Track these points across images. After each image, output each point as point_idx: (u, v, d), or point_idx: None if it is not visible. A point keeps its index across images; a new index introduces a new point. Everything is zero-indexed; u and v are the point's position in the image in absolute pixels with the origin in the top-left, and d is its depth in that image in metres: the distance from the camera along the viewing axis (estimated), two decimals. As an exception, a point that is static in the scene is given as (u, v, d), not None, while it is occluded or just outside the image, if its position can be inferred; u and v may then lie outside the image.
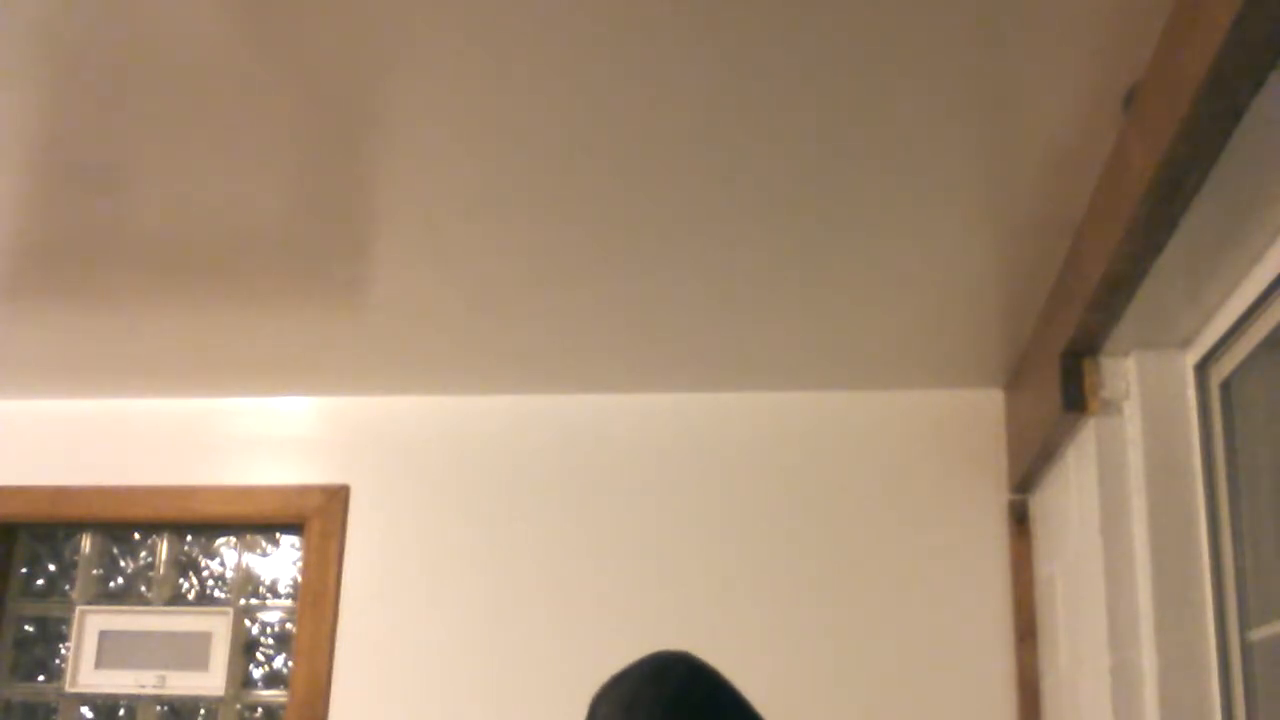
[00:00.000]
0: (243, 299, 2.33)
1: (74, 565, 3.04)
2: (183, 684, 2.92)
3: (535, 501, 2.80)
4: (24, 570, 3.06)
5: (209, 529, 3.00)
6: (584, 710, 1.52)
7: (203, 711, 2.92)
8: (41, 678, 3.00)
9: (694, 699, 1.43)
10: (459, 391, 2.86)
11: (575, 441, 2.82)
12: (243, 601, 2.97)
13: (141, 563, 3.02)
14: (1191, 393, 1.84)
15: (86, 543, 3.05)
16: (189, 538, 3.02)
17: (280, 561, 2.99)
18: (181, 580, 3.00)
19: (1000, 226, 1.91)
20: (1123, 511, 1.90)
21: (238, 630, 2.95)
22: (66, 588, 3.03)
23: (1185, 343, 1.85)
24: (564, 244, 2.04)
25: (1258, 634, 1.66)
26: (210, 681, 2.91)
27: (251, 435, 2.94)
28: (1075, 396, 1.94)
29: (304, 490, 2.88)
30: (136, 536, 3.04)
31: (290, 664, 2.86)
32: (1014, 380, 2.61)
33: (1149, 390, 1.86)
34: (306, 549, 2.85)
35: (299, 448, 2.92)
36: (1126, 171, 1.51)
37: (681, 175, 1.78)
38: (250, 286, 2.27)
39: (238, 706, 2.91)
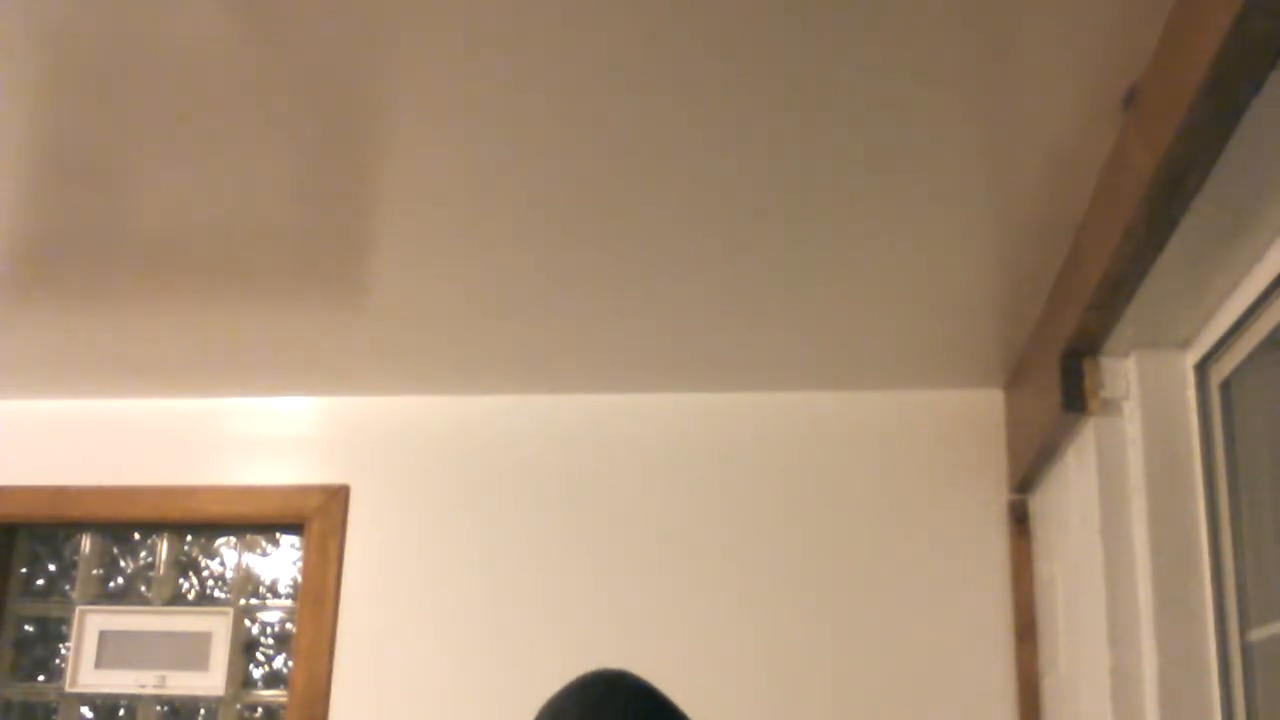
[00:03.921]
0: (243, 299, 2.33)
1: (74, 565, 3.04)
2: (183, 684, 2.92)
3: (535, 501, 2.80)
4: (24, 570, 3.06)
5: (209, 529, 3.00)
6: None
7: (203, 711, 2.92)
8: (41, 678, 3.00)
9: (616, 703, 1.45)
10: (459, 391, 2.86)
11: (575, 441, 2.82)
12: (243, 601, 2.97)
13: (141, 563, 3.02)
14: (1191, 393, 1.84)
15: (86, 543, 3.05)
16: (189, 538, 3.02)
17: (280, 561, 2.99)
18: (181, 580, 3.00)
19: (1000, 226, 1.91)
20: (1123, 511, 1.90)
21: (238, 630, 2.95)
22: (66, 588, 3.03)
23: (1185, 343, 1.85)
24: (564, 244, 2.04)
25: (1258, 634, 1.66)
26: (210, 681, 2.91)
27: (251, 435, 2.94)
28: (1075, 396, 1.94)
29: (304, 490, 2.87)
30: (136, 536, 3.04)
31: (290, 664, 2.86)
32: (1014, 380, 2.61)
33: (1149, 390, 1.86)
34: (306, 549, 2.85)
35: (299, 448, 2.92)
36: (1126, 171, 1.51)
37: (682, 176, 1.78)
38: (250, 286, 2.27)
39: (238, 706, 2.91)
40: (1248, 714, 1.68)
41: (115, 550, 3.04)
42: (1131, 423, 1.89)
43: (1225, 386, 1.78)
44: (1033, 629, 2.52)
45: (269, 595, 2.97)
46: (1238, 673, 1.70)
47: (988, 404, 2.71)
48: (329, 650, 2.76)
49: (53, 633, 3.02)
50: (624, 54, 1.48)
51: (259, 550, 3.00)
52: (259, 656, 2.94)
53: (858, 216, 1.90)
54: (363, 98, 1.60)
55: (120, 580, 3.02)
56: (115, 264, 2.18)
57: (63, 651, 2.99)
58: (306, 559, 2.83)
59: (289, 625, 2.94)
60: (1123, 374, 1.91)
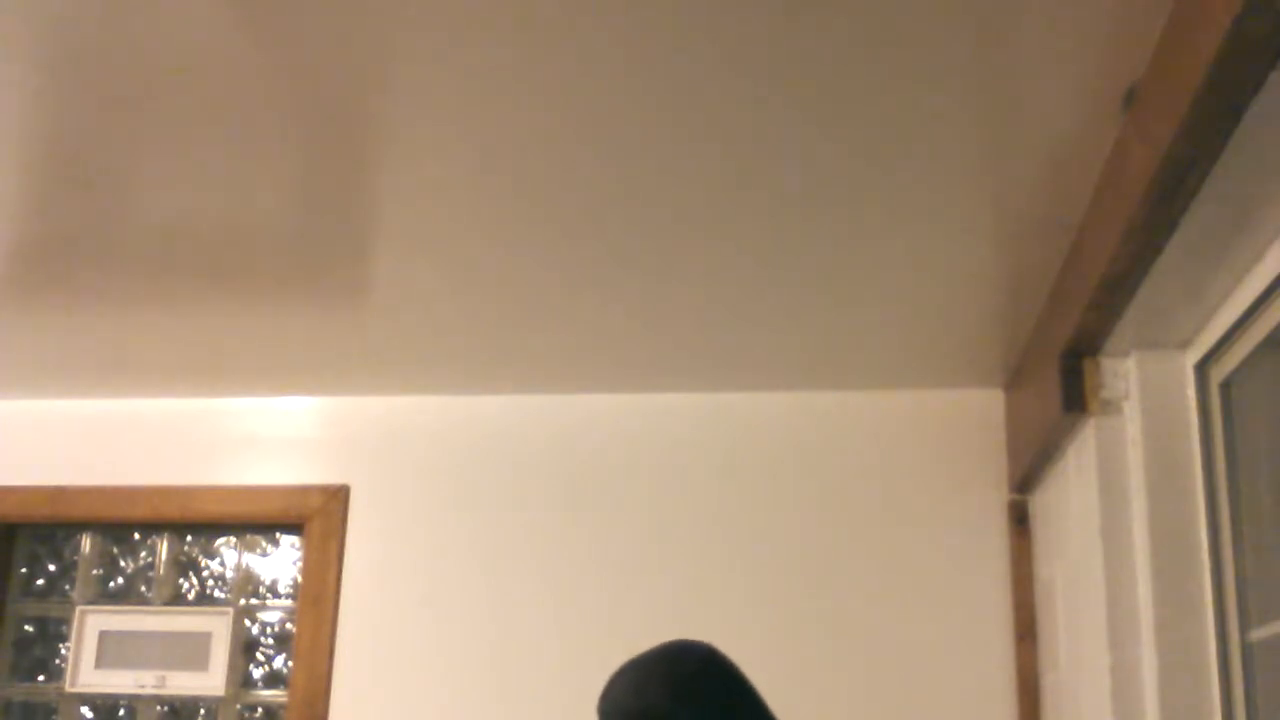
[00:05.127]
0: (243, 299, 2.33)
1: (74, 565, 3.04)
2: (183, 684, 2.92)
3: (535, 501, 2.80)
4: (24, 570, 3.06)
5: (209, 529, 3.00)
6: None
7: (203, 711, 2.92)
8: (41, 678, 3.00)
9: (706, 684, 1.42)
10: (459, 391, 2.86)
11: (575, 441, 2.82)
12: (243, 601, 2.97)
13: (141, 563, 3.02)
14: (1191, 393, 1.84)
15: (86, 543, 3.05)
16: (189, 538, 3.02)
17: (280, 561, 2.99)
18: (181, 580, 3.00)
19: (1000, 226, 1.91)
20: (1123, 511, 1.90)
21: (238, 630, 2.95)
22: (66, 588, 3.03)
23: (1185, 343, 1.85)
24: (564, 245, 2.04)
25: (1258, 634, 1.66)
26: (210, 681, 2.91)
27: (251, 435, 2.94)
28: (1075, 396, 1.94)
29: (304, 490, 2.88)
30: (136, 536, 3.04)
31: (290, 664, 2.86)
32: (1014, 380, 2.61)
33: (1149, 390, 1.86)
34: (306, 549, 2.85)
35: (299, 448, 2.92)
36: (1126, 171, 1.51)
37: (682, 176, 1.78)
38: (250, 286, 2.27)
39: (238, 706, 2.91)
40: (1248, 714, 1.68)
41: (115, 550, 3.04)
42: (1131, 423, 1.89)
43: (1225, 386, 1.78)
44: (1033, 629, 2.52)
45: (269, 595, 2.97)
46: (1238, 673, 1.70)
47: (988, 404, 2.71)
48: (329, 650, 2.76)
49: (53, 633, 3.02)
50: (624, 56, 1.48)
51: (259, 550, 3.00)
52: (259, 656, 2.94)
53: (858, 217, 1.90)
54: (362, 98, 1.60)
55: (120, 580, 3.02)
56: (115, 264, 2.18)
57: (63, 651, 2.99)
58: (306, 559, 2.83)
59: (289, 625, 2.94)
60: (1123, 374, 1.91)
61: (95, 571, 3.03)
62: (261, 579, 2.98)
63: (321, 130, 1.69)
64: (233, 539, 3.01)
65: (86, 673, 2.96)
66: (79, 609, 2.99)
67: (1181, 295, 1.69)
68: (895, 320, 2.34)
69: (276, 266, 2.17)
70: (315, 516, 2.85)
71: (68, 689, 2.96)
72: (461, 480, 2.84)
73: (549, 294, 2.25)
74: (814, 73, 1.50)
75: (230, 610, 2.96)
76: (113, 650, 2.97)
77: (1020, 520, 2.59)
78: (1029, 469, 2.41)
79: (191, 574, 3.01)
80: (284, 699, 2.87)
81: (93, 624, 2.98)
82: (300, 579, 2.85)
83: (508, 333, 2.47)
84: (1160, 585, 1.79)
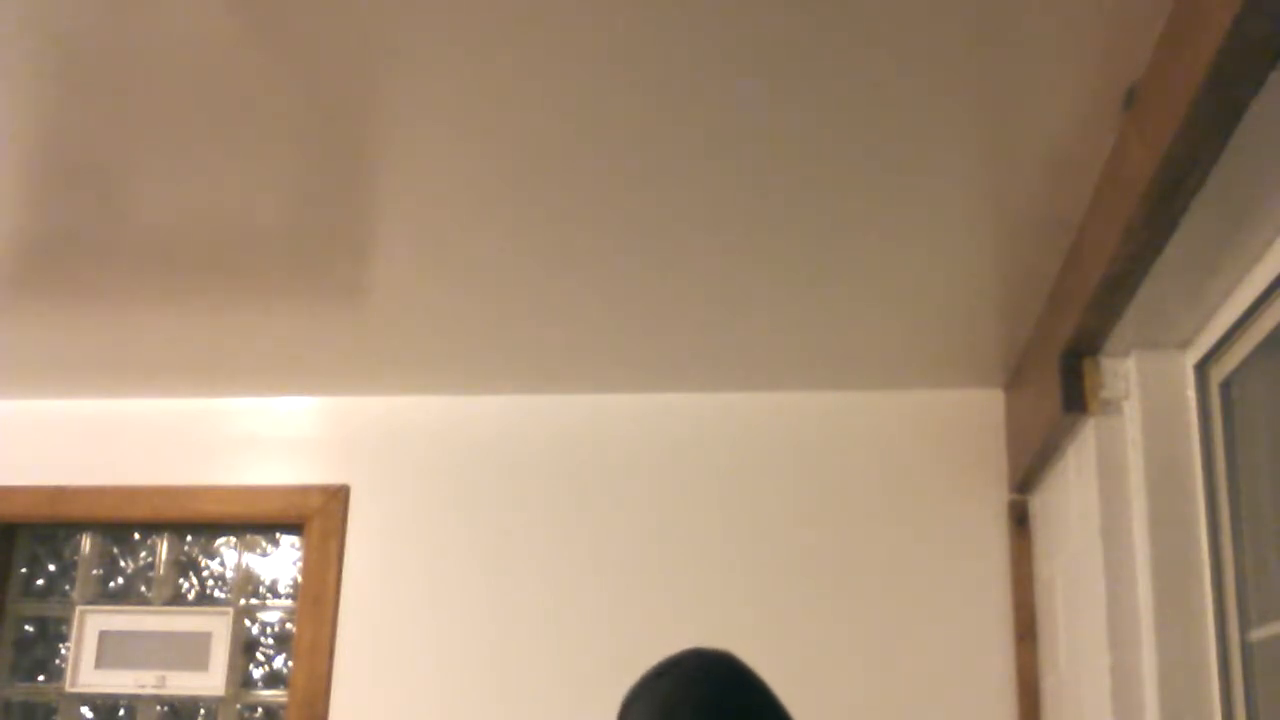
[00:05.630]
0: (243, 299, 2.33)
1: (74, 565, 3.04)
2: (183, 684, 2.92)
3: (535, 501, 2.80)
4: (24, 570, 3.06)
5: (209, 529, 3.00)
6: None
7: (203, 711, 2.92)
8: (41, 678, 2.99)
9: (731, 705, 1.41)
10: (459, 391, 2.86)
11: (575, 441, 2.82)
12: (243, 601, 2.97)
13: (141, 563, 3.02)
14: (1191, 393, 1.84)
15: (86, 543, 3.05)
16: (189, 538, 3.02)
17: (280, 561, 2.99)
18: (181, 580, 3.00)
19: (1000, 226, 1.91)
20: (1123, 511, 1.90)
21: (238, 630, 2.95)
22: (66, 588, 3.03)
23: (1185, 343, 1.85)
24: (565, 244, 2.04)
25: (1258, 634, 1.66)
26: (210, 681, 2.91)
27: (251, 435, 2.94)
28: (1075, 396, 1.94)
29: (304, 490, 2.87)
30: (136, 536, 3.04)
31: (290, 664, 2.86)
32: (1014, 380, 2.61)
33: (1149, 390, 1.86)
34: (306, 549, 2.85)
35: (299, 448, 2.92)
36: (1126, 171, 1.51)
37: (682, 176, 1.78)
38: (250, 286, 2.27)
39: (238, 706, 2.91)
40: (1248, 714, 1.68)
41: (115, 550, 3.04)
42: (1131, 423, 1.89)
43: (1225, 386, 1.78)
44: (1033, 629, 2.52)
45: (269, 595, 2.97)
46: (1238, 673, 1.70)
47: (988, 404, 2.71)
48: (329, 650, 2.76)
49: (53, 633, 3.02)
50: (625, 56, 1.48)
51: (259, 550, 3.00)
52: (259, 656, 2.94)
53: (858, 216, 1.90)
54: (362, 98, 1.60)
55: (120, 580, 3.02)
56: (115, 264, 2.18)
57: (63, 651, 2.99)
58: (306, 559, 2.83)
59: (289, 625, 2.94)
60: (1123, 374, 1.91)
61: (95, 571, 3.03)
62: (261, 579, 2.98)
63: (321, 130, 1.69)
64: (233, 539, 3.01)
65: (86, 673, 2.96)
66: (79, 609, 2.99)
67: (1181, 295, 1.69)
68: (895, 320, 2.34)
69: (276, 266, 2.17)
70: (315, 516, 2.85)
71: (68, 689, 2.96)
72: (461, 480, 2.84)
73: (549, 294, 2.25)
74: (814, 72, 1.50)
75: (230, 610, 2.96)
76: (113, 650, 2.97)
77: (1020, 520, 2.59)
78: (1029, 469, 2.41)
79: (191, 574, 3.01)
80: (284, 699, 2.87)
81: (93, 624, 2.98)
82: (300, 579, 2.85)
83: (508, 332, 2.47)
84: (1160, 585, 1.79)
